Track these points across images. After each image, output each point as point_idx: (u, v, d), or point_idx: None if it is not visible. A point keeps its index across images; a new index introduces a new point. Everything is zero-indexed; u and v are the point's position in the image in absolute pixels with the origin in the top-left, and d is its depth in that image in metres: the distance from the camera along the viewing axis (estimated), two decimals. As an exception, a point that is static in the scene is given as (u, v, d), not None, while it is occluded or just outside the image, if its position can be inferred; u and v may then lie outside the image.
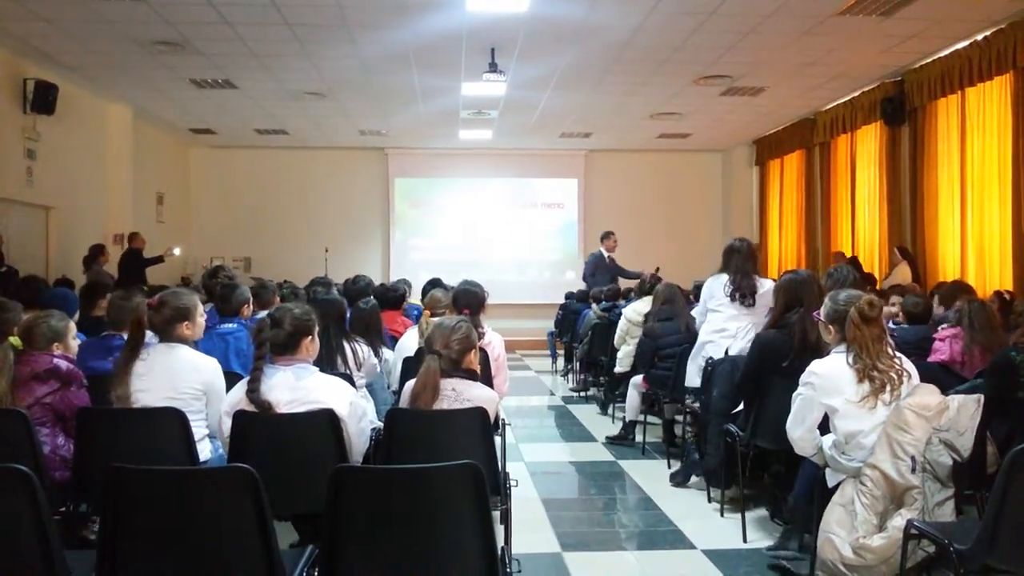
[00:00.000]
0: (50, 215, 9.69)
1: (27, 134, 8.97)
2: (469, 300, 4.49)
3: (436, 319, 3.69)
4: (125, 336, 3.80)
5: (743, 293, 4.95)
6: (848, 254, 11.00)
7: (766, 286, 4.98)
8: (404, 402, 3.26)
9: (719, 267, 5.19)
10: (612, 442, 6.51)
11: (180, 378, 3.25)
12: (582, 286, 13.32)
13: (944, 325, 4.57)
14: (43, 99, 8.91)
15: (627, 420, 6.49)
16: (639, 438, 6.37)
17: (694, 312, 5.42)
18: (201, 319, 3.55)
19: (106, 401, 3.28)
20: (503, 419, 3.89)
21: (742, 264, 5.02)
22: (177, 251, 12.08)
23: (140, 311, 3.26)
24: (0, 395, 3.18)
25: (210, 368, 3.36)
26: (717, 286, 5.08)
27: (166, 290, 3.48)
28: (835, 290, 3.57)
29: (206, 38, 8.09)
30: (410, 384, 3.27)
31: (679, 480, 5.27)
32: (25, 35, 8.05)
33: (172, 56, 8.66)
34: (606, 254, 10.84)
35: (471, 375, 3.30)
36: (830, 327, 3.40)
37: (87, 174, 10.48)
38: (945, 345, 4.37)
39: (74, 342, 3.62)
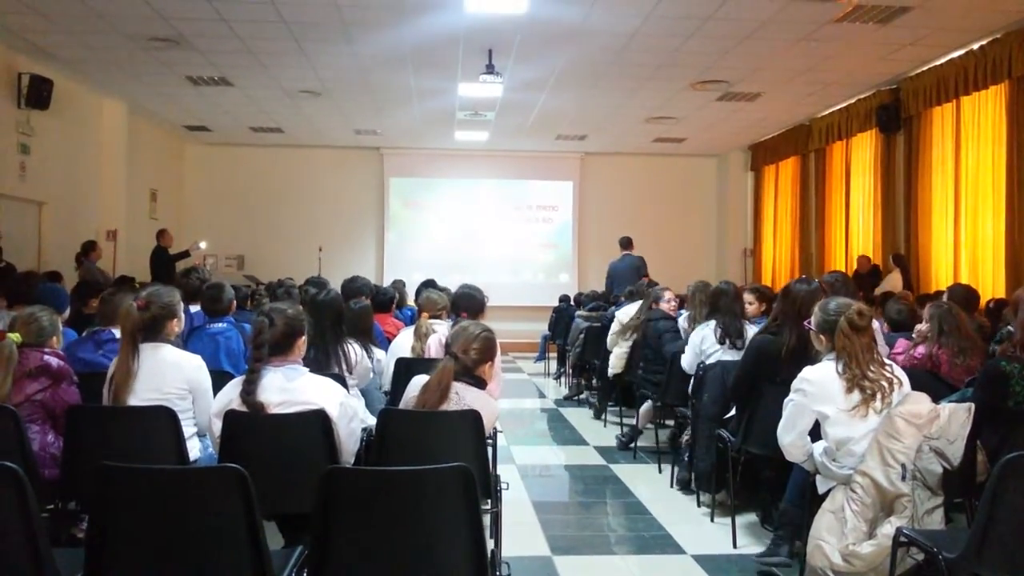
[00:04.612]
0: (43, 210, 9.65)
1: (21, 129, 8.94)
2: (468, 304, 4.47)
3: (463, 322, 3.60)
4: (114, 331, 3.78)
5: (731, 335, 5.02)
6: (842, 260, 11.03)
7: (751, 331, 5.01)
8: (409, 396, 3.21)
9: (704, 311, 5.32)
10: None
11: (165, 378, 3.23)
12: (575, 289, 13.24)
13: (915, 334, 4.54)
14: (37, 94, 8.88)
15: (635, 427, 6.31)
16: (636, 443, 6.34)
17: (683, 362, 5.27)
18: (182, 314, 3.54)
19: (97, 398, 3.26)
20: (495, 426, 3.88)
21: (730, 306, 5.10)
22: (203, 245, 12.05)
23: (132, 313, 3.22)
24: (1, 393, 3.15)
25: (193, 365, 3.33)
26: (708, 333, 5.14)
27: (147, 289, 3.43)
28: (825, 299, 3.55)
29: (203, 35, 8.08)
30: (418, 380, 3.23)
31: (683, 484, 5.19)
32: (20, 29, 8.02)
33: (168, 52, 8.64)
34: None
35: (479, 384, 3.24)
36: (820, 336, 3.40)
37: (81, 170, 10.44)
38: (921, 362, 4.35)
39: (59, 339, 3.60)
